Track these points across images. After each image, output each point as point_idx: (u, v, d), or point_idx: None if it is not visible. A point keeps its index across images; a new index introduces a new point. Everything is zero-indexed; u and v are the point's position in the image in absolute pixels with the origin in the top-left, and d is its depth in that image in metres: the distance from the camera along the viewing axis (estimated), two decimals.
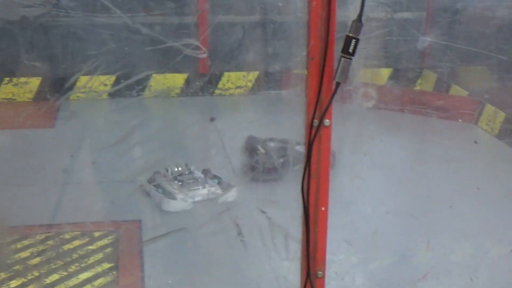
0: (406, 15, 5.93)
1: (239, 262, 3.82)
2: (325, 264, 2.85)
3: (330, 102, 2.60)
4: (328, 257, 2.87)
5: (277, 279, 3.68)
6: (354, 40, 2.49)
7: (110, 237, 3.98)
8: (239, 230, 4.03)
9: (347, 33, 2.51)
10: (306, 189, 2.76)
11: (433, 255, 3.89)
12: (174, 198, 4.22)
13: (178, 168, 4.49)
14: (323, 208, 2.82)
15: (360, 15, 2.46)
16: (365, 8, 2.54)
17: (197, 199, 4.29)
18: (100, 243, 3.92)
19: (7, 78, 5.81)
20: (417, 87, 6.05)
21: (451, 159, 5.05)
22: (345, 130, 4.41)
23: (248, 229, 4.04)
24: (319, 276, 2.86)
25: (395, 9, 5.70)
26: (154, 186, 4.35)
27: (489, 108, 5.56)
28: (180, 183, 4.36)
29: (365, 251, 3.95)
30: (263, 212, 4.04)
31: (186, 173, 4.46)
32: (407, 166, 4.89)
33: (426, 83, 6.04)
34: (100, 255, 3.80)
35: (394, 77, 5.91)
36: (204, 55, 5.52)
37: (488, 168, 4.98)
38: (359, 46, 2.51)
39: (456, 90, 5.85)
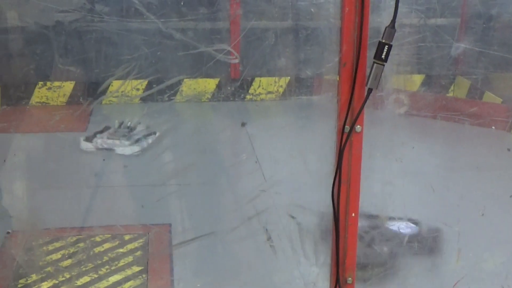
0: (440, 21, 5.87)
1: (268, 267, 3.80)
2: (355, 271, 2.86)
3: (361, 108, 2.58)
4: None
5: (306, 285, 3.65)
6: (387, 46, 2.48)
7: (140, 240, 4.00)
8: (268, 235, 4.01)
9: (380, 39, 2.50)
10: (337, 195, 2.75)
11: (464, 264, 3.85)
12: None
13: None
14: (353, 214, 2.81)
15: (393, 21, 2.44)
16: (398, 14, 2.53)
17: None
18: (130, 246, 3.94)
19: (41, 82, 5.88)
20: (450, 94, 6.01)
21: (483, 166, 5.00)
22: (376, 136, 4.51)
23: (278, 234, 4.02)
24: (348, 282, 2.84)
25: (428, 15, 5.65)
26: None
27: None
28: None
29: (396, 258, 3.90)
30: (292, 217, 4.03)
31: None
32: (439, 173, 4.84)
33: (459, 89, 6.00)
34: (130, 258, 3.83)
35: (427, 83, 5.87)
36: (236, 61, 5.54)
37: None
38: (392, 52, 2.50)
39: (490, 97, 5.80)
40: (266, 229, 4.07)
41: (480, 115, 5.46)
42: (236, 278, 3.75)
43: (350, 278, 2.83)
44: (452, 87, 6.05)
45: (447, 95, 6.03)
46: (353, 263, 2.87)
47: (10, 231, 3.98)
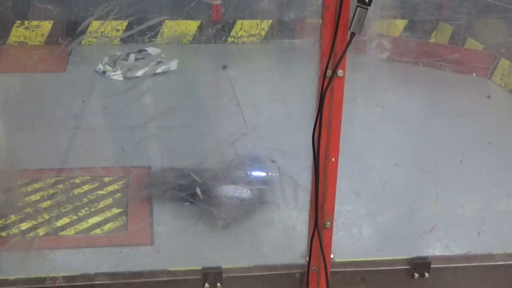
0: None
1: (248, 211, 3.84)
2: (334, 215, 2.88)
3: (344, 52, 2.57)
4: (337, 208, 2.91)
5: (285, 228, 3.69)
6: None
7: (120, 182, 4.01)
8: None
9: None
10: (317, 139, 2.76)
11: (441, 209, 3.89)
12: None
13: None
14: (333, 159, 2.83)
15: None
16: None
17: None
18: (110, 188, 3.95)
19: (19, 21, 5.79)
20: (432, 40, 5.98)
21: (463, 113, 5.03)
22: (358, 81, 4.51)
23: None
24: (327, 226, 2.88)
25: None
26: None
27: (504, 63, 5.50)
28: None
29: (373, 202, 3.97)
30: (273, 161, 4.05)
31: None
32: (419, 119, 4.87)
33: (441, 35, 5.96)
34: (109, 200, 3.84)
35: (410, 28, 5.86)
36: (218, 2, 5.49)
37: (501, 122, 4.95)
38: None
39: (472, 43, 5.79)
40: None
41: (461, 62, 5.48)
42: (215, 222, 3.78)
43: (328, 222, 2.86)
44: (434, 33, 6.02)
45: (430, 40, 6.01)
46: (332, 207, 2.89)
47: None
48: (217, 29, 5.76)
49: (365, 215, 3.90)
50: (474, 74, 5.58)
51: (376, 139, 4.43)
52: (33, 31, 5.79)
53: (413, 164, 4.30)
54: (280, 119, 4.51)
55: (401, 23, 5.87)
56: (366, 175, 4.15)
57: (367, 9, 2.42)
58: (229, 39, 5.87)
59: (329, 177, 2.84)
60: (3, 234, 3.40)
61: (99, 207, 3.76)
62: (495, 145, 4.48)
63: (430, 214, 3.88)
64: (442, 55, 5.50)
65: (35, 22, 5.77)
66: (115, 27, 5.47)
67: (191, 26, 5.81)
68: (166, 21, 5.69)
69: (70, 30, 5.68)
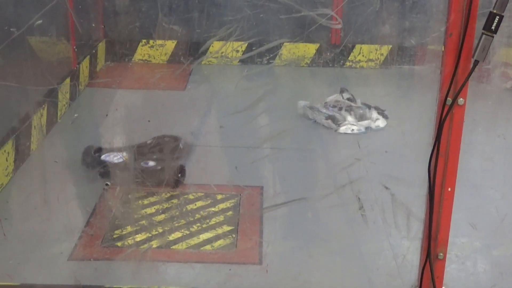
0: None
1: (358, 236, 3.81)
2: (447, 246, 2.81)
3: (466, 80, 2.52)
4: (451, 239, 2.84)
5: (395, 257, 3.65)
6: (498, 17, 2.39)
7: (232, 200, 4.06)
8: (360, 204, 4.00)
9: (491, 9, 2.42)
10: (433, 168, 2.70)
11: None
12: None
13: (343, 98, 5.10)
14: (449, 189, 2.77)
15: None
16: None
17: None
18: (222, 205, 4.01)
19: (144, 40, 6.03)
20: None
21: None
22: (479, 111, 4.39)
23: (370, 204, 4.02)
24: (439, 257, 2.80)
25: None
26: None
27: None
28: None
29: (490, 236, 3.84)
30: (386, 188, 3.99)
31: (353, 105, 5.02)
32: None
33: None
34: (221, 217, 3.89)
35: None
36: (338, 26, 5.52)
37: None
38: (503, 24, 2.42)
39: None
40: (359, 198, 4.05)
41: None
42: (324, 245, 3.77)
43: (441, 254, 2.79)
44: None
45: None
46: (446, 238, 2.82)
47: (108, 183, 4.13)
48: (336, 53, 5.76)
49: (480, 249, 3.78)
50: None
51: (495, 170, 4.30)
52: (157, 50, 6.00)
53: None
54: (396, 146, 4.50)
55: None
56: (484, 207, 4.03)
57: (493, 37, 2.36)
58: (347, 63, 5.86)
59: (444, 207, 2.77)
60: (119, 244, 3.53)
61: (210, 223, 3.82)
62: None
63: None
64: None
65: (159, 41, 5.99)
66: (235, 48, 5.63)
67: (310, 49, 5.84)
68: (285, 44, 5.73)
69: (192, 50, 5.88)
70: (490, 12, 2.34)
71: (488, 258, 3.72)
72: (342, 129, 4.88)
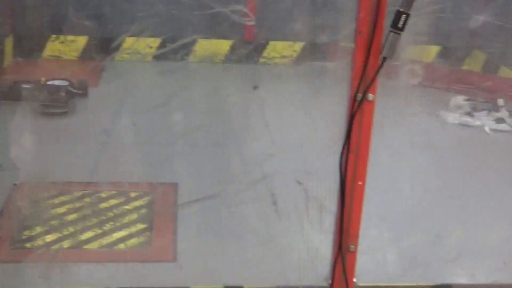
0: None
1: (272, 231, 3.82)
2: (358, 239, 2.86)
3: (375, 76, 2.58)
4: (362, 231, 2.90)
5: (308, 250, 3.67)
6: (405, 15, 2.45)
7: (146, 198, 4.02)
8: (274, 200, 4.02)
9: (398, 7, 2.47)
10: (345, 162, 2.75)
11: (467, 237, 3.85)
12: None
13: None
14: (360, 183, 2.83)
15: None
16: None
17: None
18: (136, 203, 3.96)
19: (54, 36, 5.87)
20: (465, 67, 5.92)
21: (494, 141, 5.00)
22: (388, 106, 4.49)
23: (283, 199, 4.04)
24: (351, 250, 2.86)
25: None
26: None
27: None
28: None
29: (399, 228, 3.92)
30: (299, 183, 4.04)
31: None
32: (449, 146, 4.82)
33: (474, 63, 5.92)
34: (134, 216, 3.84)
35: (442, 55, 5.82)
36: (251, 22, 5.53)
37: None
38: (409, 22, 2.48)
39: (505, 72, 5.72)
40: (272, 194, 4.08)
41: (494, 90, 5.40)
42: (239, 241, 3.77)
43: (352, 246, 2.85)
44: (467, 60, 5.96)
45: (462, 68, 5.95)
46: (357, 231, 2.87)
47: (16, 182, 4.01)
48: (250, 50, 5.78)
49: (390, 240, 3.84)
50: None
51: (404, 164, 4.39)
52: (68, 46, 5.88)
53: (440, 190, 4.26)
54: (308, 141, 4.51)
55: (434, 49, 5.84)
56: (393, 200, 4.11)
57: (400, 34, 2.42)
58: (261, 60, 5.90)
59: (355, 201, 2.83)
60: (28, 245, 3.43)
61: (124, 222, 3.76)
62: None
63: (456, 241, 3.83)
64: (474, 82, 5.46)
65: (70, 37, 5.86)
66: (148, 44, 5.58)
67: (224, 45, 5.85)
68: (199, 40, 5.72)
69: (104, 46, 5.79)
70: (398, 11, 2.40)
71: (397, 248, 3.78)
72: None
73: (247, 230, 3.86)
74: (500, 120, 5.16)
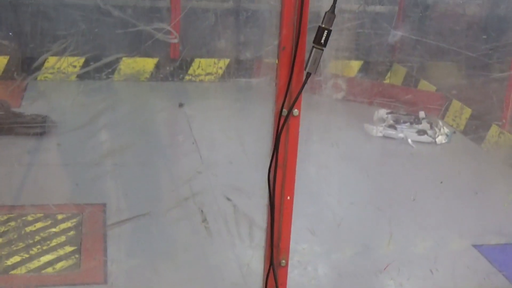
0: (378, 8, 5.97)
1: (203, 249, 3.82)
2: (289, 253, 2.86)
3: (300, 92, 2.61)
4: (292, 246, 2.88)
5: (240, 267, 3.68)
6: (326, 31, 2.50)
7: (74, 220, 3.96)
8: (204, 217, 4.04)
9: (320, 24, 2.52)
10: (273, 178, 2.78)
11: (395, 247, 3.90)
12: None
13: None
14: (288, 197, 2.82)
15: (333, 6, 2.46)
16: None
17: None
18: (63, 225, 3.90)
19: None
20: (387, 81, 6.07)
21: (416, 153, 5.11)
22: (313, 121, 4.52)
23: (213, 216, 4.05)
24: (282, 264, 2.87)
25: (368, 2, 5.76)
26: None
27: (456, 104, 5.62)
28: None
29: (328, 241, 3.95)
30: (228, 199, 4.07)
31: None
32: (373, 159, 4.91)
33: (395, 76, 6.06)
34: (62, 238, 3.78)
35: (364, 69, 5.93)
36: (175, 40, 5.55)
37: (453, 163, 5.04)
38: (331, 38, 2.52)
39: (425, 85, 5.87)
40: (202, 211, 4.09)
41: (414, 103, 5.54)
42: (171, 259, 3.76)
43: (283, 261, 2.86)
44: (388, 74, 6.11)
45: (384, 81, 6.09)
46: (287, 245, 2.88)
47: None
48: (175, 67, 5.80)
49: (320, 254, 3.86)
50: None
51: (331, 178, 4.44)
52: None
53: (368, 202, 4.33)
54: (236, 158, 4.56)
55: (356, 64, 5.93)
56: (322, 213, 4.14)
57: (323, 50, 2.47)
58: (187, 77, 5.91)
59: (284, 216, 2.85)
60: None
61: (51, 245, 3.69)
62: (447, 184, 4.55)
63: (385, 252, 3.88)
64: (395, 96, 5.58)
65: None
66: (71, 63, 5.52)
67: (149, 63, 5.86)
68: (123, 58, 5.72)
69: (26, 65, 5.70)
70: (319, 27, 2.44)
71: (328, 262, 3.82)
72: None
73: (179, 249, 3.85)
74: (421, 132, 5.26)
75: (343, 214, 4.14)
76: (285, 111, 2.62)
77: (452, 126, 5.52)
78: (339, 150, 4.62)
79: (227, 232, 3.91)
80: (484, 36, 5.53)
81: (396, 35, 5.77)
